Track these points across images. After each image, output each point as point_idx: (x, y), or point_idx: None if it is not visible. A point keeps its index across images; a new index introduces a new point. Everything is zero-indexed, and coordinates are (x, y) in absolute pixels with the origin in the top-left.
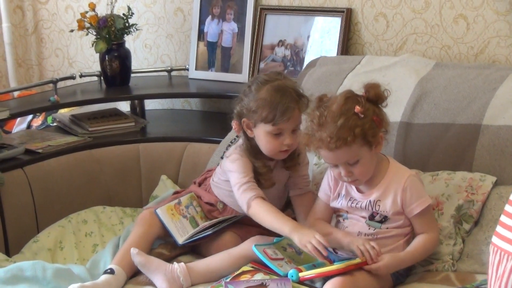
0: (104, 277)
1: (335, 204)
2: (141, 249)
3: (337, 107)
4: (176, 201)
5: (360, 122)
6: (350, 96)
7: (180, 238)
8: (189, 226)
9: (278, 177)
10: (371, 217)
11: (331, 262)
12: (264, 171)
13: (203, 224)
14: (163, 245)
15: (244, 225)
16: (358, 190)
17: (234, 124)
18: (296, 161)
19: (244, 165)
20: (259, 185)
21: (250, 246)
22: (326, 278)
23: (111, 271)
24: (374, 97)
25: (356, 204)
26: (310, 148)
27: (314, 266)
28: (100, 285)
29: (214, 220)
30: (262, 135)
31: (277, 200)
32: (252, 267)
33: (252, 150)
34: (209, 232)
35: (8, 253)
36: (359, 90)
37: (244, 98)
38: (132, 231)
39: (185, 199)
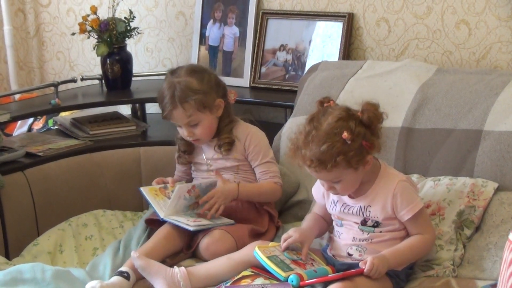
0: (119, 279)
1: (330, 209)
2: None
3: (326, 129)
4: (162, 185)
5: (345, 148)
6: (342, 117)
7: (162, 213)
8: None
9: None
10: (363, 222)
11: (333, 267)
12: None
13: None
14: None
15: (237, 221)
16: (349, 196)
17: None
18: (225, 143)
19: None
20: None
21: (250, 251)
22: (326, 283)
23: (127, 276)
24: (367, 121)
25: (348, 209)
26: (294, 161)
27: (315, 272)
28: (117, 286)
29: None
30: None
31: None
32: (252, 271)
33: None
34: (190, 228)
35: (8, 256)
36: (359, 98)
37: None
38: (148, 240)
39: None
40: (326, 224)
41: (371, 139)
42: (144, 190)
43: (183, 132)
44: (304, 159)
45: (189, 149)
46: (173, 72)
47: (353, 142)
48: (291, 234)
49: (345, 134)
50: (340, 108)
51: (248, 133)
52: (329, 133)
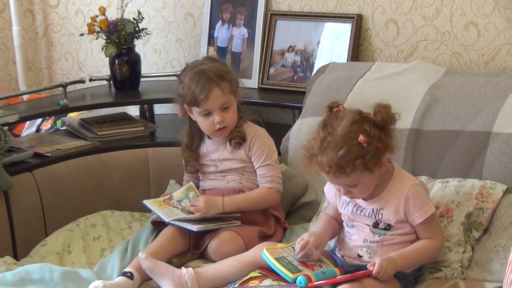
0: (123, 280)
1: (342, 209)
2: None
3: (341, 133)
4: (167, 197)
5: (362, 152)
6: (356, 121)
7: (168, 218)
8: (180, 213)
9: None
10: (375, 225)
11: (341, 269)
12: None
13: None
14: None
15: (244, 224)
16: (363, 198)
17: (178, 110)
18: (236, 136)
19: None
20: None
21: (258, 252)
22: (334, 285)
23: (131, 276)
24: (381, 122)
25: (361, 211)
26: (309, 169)
27: (323, 273)
28: (121, 286)
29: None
30: (197, 117)
31: (233, 183)
32: (260, 273)
33: (196, 132)
34: (193, 229)
35: (16, 256)
36: (369, 107)
37: (178, 85)
38: (153, 242)
39: (179, 193)
40: (339, 226)
41: (386, 141)
42: (147, 201)
43: (212, 119)
44: (321, 165)
45: (195, 155)
46: (192, 65)
47: (369, 145)
48: (307, 239)
49: (361, 138)
50: (353, 112)
51: (255, 134)
52: (345, 138)
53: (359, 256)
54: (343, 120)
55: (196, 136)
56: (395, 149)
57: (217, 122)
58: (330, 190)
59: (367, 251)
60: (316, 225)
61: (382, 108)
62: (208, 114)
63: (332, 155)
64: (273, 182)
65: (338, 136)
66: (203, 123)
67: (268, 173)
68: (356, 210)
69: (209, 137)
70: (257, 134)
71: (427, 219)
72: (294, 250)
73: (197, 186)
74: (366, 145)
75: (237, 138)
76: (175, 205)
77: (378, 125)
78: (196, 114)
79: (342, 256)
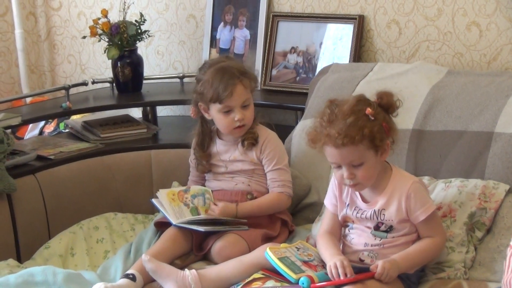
0: (125, 281)
1: (343, 212)
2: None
3: (348, 107)
4: (183, 188)
5: (369, 124)
6: (362, 99)
7: (175, 220)
8: (188, 213)
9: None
10: (376, 228)
11: None
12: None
13: (204, 216)
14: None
15: (249, 226)
16: (363, 200)
17: (191, 110)
18: (250, 137)
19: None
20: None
21: (261, 253)
22: (337, 286)
23: (133, 277)
24: (386, 104)
25: (361, 214)
26: (316, 145)
27: (326, 274)
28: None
29: (216, 221)
30: (215, 115)
31: (241, 185)
32: (263, 274)
33: (208, 133)
34: (201, 229)
35: (20, 259)
36: (371, 97)
37: (196, 84)
38: (155, 243)
39: (197, 189)
40: (337, 241)
41: (390, 122)
42: (162, 192)
43: (232, 117)
44: (329, 135)
45: (206, 156)
46: (211, 63)
47: (376, 120)
48: (343, 264)
49: (368, 110)
50: (356, 95)
51: (267, 137)
52: (353, 110)
53: (361, 261)
54: (348, 100)
55: (207, 136)
56: (397, 138)
57: (237, 119)
58: (330, 199)
59: (368, 255)
60: (326, 249)
61: (386, 92)
62: (228, 111)
63: (341, 124)
64: (284, 186)
65: (346, 109)
66: (223, 121)
67: (279, 177)
68: (357, 213)
69: (219, 138)
70: (269, 137)
71: (429, 216)
72: (297, 250)
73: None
74: (373, 119)
75: (250, 139)
76: (187, 200)
77: (383, 106)
78: (214, 112)
79: None
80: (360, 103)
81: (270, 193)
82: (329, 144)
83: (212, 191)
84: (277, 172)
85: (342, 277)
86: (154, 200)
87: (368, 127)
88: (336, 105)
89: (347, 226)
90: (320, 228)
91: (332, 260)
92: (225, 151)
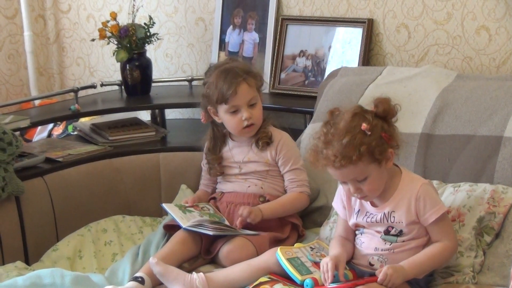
0: (134, 284)
1: (353, 219)
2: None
3: (344, 125)
4: (188, 205)
5: (366, 139)
6: (357, 113)
7: (186, 223)
8: (198, 216)
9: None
10: (386, 232)
11: (354, 271)
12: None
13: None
14: None
15: (259, 230)
16: (372, 204)
17: (201, 115)
18: (264, 136)
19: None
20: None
21: (269, 257)
22: None
23: (141, 280)
24: (383, 113)
25: (371, 218)
26: (317, 166)
27: (334, 276)
28: None
29: (227, 225)
30: (223, 116)
31: (254, 188)
32: (270, 277)
33: (220, 136)
34: (210, 233)
35: (28, 261)
36: (370, 104)
37: (203, 88)
38: (164, 246)
39: (202, 204)
40: (352, 246)
41: (389, 131)
42: (166, 206)
43: (240, 116)
44: (327, 158)
45: (218, 158)
46: (216, 65)
47: (373, 134)
48: (327, 267)
49: (364, 125)
50: (353, 107)
51: (281, 138)
52: (348, 128)
53: (371, 265)
54: (344, 115)
55: (219, 140)
56: (401, 142)
57: (245, 118)
58: (338, 203)
59: (378, 259)
60: (329, 250)
61: (382, 100)
62: (235, 111)
63: (337, 145)
64: (303, 186)
65: (341, 128)
66: (231, 122)
67: (298, 177)
68: (367, 218)
69: (232, 139)
70: (284, 138)
71: (439, 218)
72: (311, 250)
73: (214, 191)
74: (370, 133)
75: (264, 138)
76: (198, 208)
77: (379, 115)
78: (222, 114)
79: (353, 263)
80: (356, 118)
81: (291, 193)
82: (329, 166)
83: (223, 193)
84: (295, 172)
85: (326, 284)
86: (164, 204)
87: (366, 144)
88: (332, 123)
89: (358, 230)
90: (335, 232)
91: (323, 262)
92: (239, 153)
